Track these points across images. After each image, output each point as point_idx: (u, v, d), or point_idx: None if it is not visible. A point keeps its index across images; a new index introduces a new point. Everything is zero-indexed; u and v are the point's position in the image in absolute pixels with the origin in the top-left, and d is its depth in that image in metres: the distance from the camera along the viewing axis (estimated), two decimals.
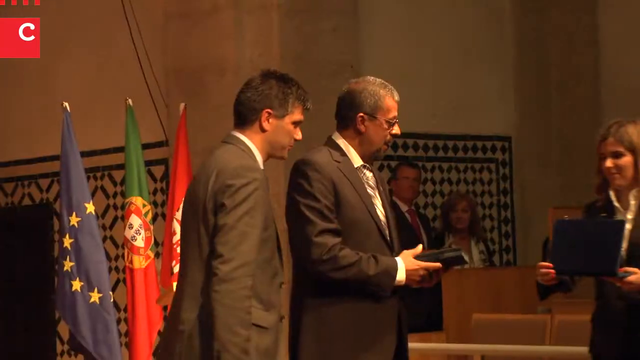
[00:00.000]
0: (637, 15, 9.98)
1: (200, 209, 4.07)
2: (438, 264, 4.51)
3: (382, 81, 4.70)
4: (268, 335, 4.10)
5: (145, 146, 7.85)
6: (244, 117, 4.21)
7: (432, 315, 7.89)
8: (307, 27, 8.40)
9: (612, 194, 4.76)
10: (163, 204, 8.74)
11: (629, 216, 4.69)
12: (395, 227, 4.66)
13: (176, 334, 4.07)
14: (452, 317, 7.70)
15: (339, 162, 4.55)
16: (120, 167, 8.25)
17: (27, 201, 9.94)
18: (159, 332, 7.70)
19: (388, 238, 4.58)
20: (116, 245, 9.10)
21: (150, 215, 7.56)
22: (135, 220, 7.44)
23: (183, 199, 4.32)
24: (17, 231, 10.06)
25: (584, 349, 6.32)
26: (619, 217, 4.70)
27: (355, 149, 4.60)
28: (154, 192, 8.89)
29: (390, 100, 4.63)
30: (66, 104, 7.30)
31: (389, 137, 4.62)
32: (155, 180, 9.00)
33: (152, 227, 7.55)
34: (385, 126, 4.59)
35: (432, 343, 7.53)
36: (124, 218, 7.57)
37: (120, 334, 7.38)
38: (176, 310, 4.12)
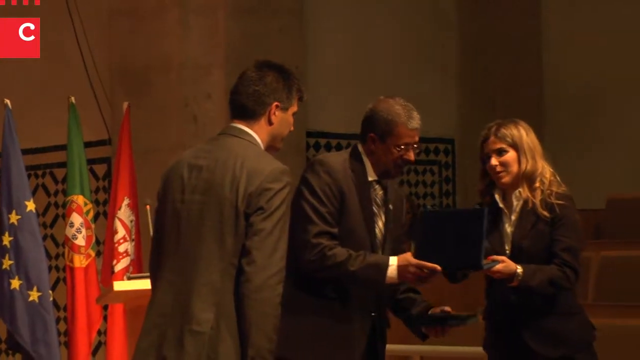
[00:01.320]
0: (578, 22, 10.04)
1: (229, 210, 3.96)
2: (433, 265, 4.48)
3: (406, 105, 4.61)
4: None
5: (88, 144, 7.85)
6: (252, 110, 4.12)
7: None
8: (253, 27, 8.38)
9: (497, 196, 4.79)
10: (105, 202, 8.70)
11: (513, 217, 4.73)
12: (391, 247, 4.71)
13: (190, 334, 3.94)
14: (392, 318, 7.62)
15: (353, 171, 4.58)
16: (62, 165, 8.19)
17: None
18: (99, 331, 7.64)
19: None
20: (57, 244, 9.02)
21: (91, 214, 7.60)
22: (76, 219, 7.49)
23: (162, 191, 4.14)
24: None
25: None
26: (504, 219, 4.75)
27: (370, 164, 4.64)
28: (96, 191, 8.86)
29: (403, 128, 4.55)
30: (7, 101, 7.35)
31: (399, 161, 4.59)
32: (97, 178, 8.96)
33: (93, 225, 7.62)
34: (394, 151, 4.56)
35: None
36: (65, 216, 7.58)
37: (59, 333, 7.36)
38: (184, 308, 3.97)
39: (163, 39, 8.31)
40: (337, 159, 4.62)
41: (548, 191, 4.69)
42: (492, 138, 4.75)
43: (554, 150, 10.26)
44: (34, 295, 6.97)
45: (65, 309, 7.90)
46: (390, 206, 4.69)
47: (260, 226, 3.93)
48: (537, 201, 4.66)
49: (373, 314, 4.62)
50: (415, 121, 4.58)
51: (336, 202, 4.49)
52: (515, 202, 4.72)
